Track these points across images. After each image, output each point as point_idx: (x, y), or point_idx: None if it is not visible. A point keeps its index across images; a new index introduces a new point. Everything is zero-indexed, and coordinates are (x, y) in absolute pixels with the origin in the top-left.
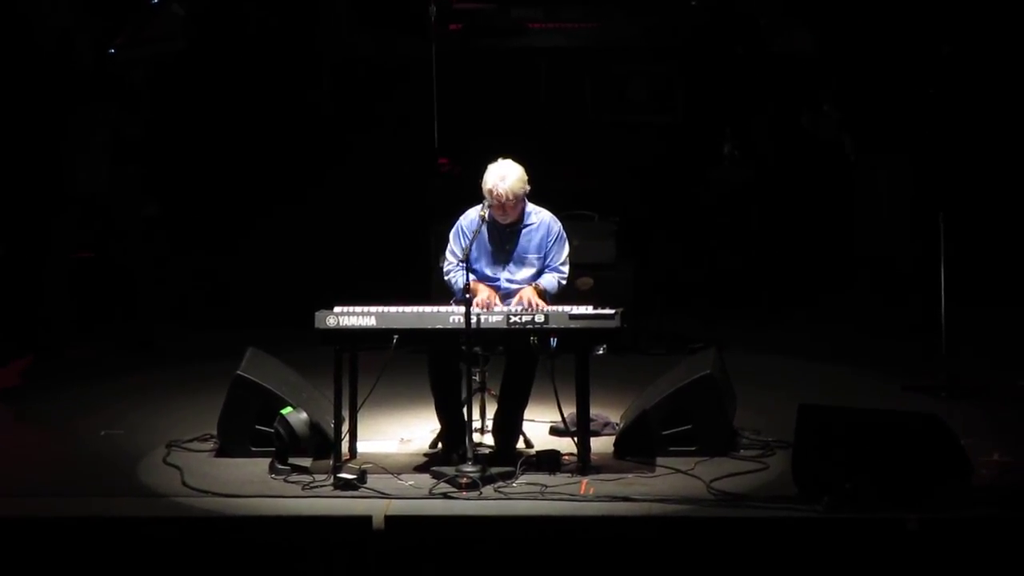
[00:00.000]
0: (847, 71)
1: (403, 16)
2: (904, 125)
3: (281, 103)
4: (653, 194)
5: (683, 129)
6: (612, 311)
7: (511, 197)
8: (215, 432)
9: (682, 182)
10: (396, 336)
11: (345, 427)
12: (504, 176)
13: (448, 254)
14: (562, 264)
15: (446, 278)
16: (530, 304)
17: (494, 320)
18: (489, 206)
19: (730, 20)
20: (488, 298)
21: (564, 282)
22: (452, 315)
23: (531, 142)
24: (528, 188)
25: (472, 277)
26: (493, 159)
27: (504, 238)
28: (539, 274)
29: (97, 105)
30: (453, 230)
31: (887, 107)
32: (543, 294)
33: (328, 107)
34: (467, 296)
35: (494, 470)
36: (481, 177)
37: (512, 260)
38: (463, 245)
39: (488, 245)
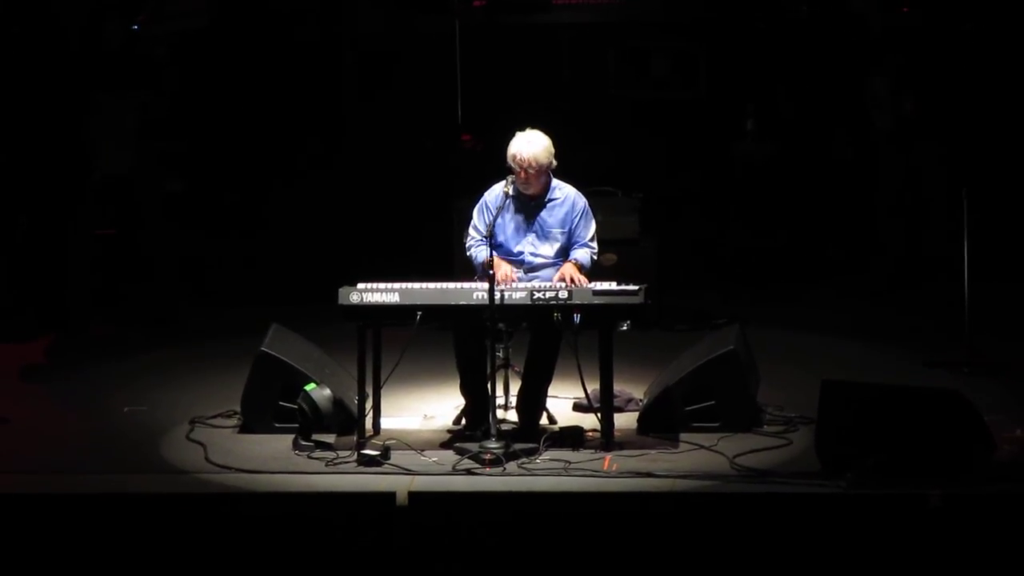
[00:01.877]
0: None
1: None
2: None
3: (303, 79)
4: (676, 169)
5: (706, 104)
6: (636, 287)
7: (535, 164)
8: (238, 408)
9: (705, 157)
10: (419, 312)
11: (369, 403)
12: (530, 141)
13: (471, 229)
14: (591, 239)
15: (468, 253)
16: (572, 280)
17: (518, 296)
18: (513, 177)
19: None
20: (508, 274)
21: (595, 257)
22: (475, 291)
23: (554, 118)
24: (554, 162)
25: (494, 253)
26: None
27: (528, 212)
28: (563, 249)
29: (124, 85)
30: (477, 205)
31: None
32: (582, 270)
33: (350, 83)
34: (490, 272)
35: (518, 446)
36: (505, 152)
37: (536, 234)
38: (487, 220)
39: (512, 219)
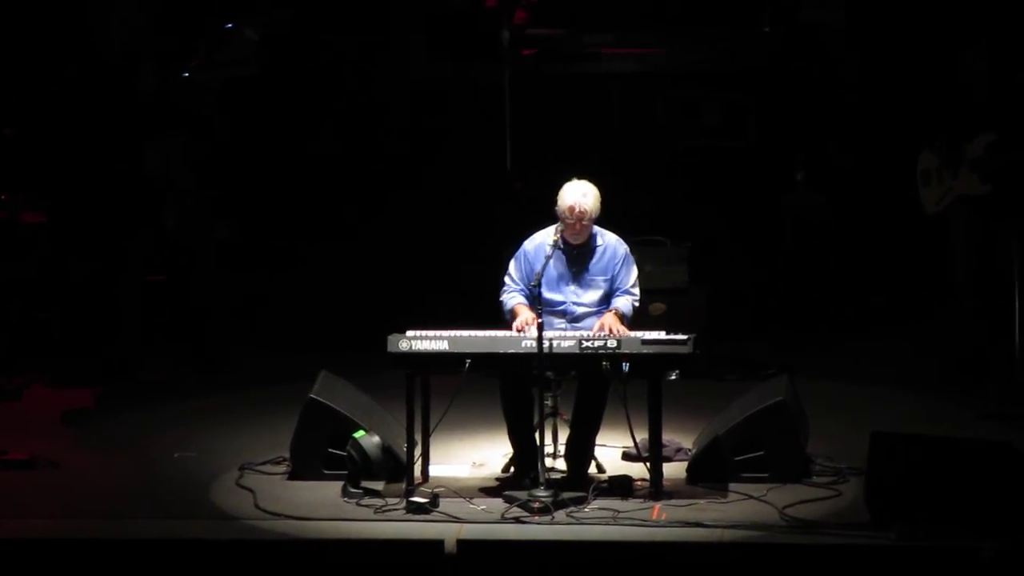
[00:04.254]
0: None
1: (477, 41)
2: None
3: (355, 126)
4: (726, 219)
5: (756, 154)
6: (684, 337)
7: (590, 215)
8: (288, 455)
9: (755, 207)
10: (468, 360)
11: (418, 451)
12: (586, 193)
13: (506, 277)
14: (632, 287)
15: (500, 298)
16: (611, 329)
17: (566, 345)
18: (563, 227)
19: (800, 41)
20: (526, 320)
21: (637, 304)
22: (524, 339)
23: (604, 167)
24: (599, 210)
25: (522, 300)
26: (566, 181)
27: (571, 260)
28: (605, 297)
29: (174, 130)
30: (515, 254)
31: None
32: (623, 319)
33: (401, 131)
34: (540, 321)
35: (566, 495)
36: (554, 199)
37: (579, 282)
38: (524, 269)
39: (555, 268)
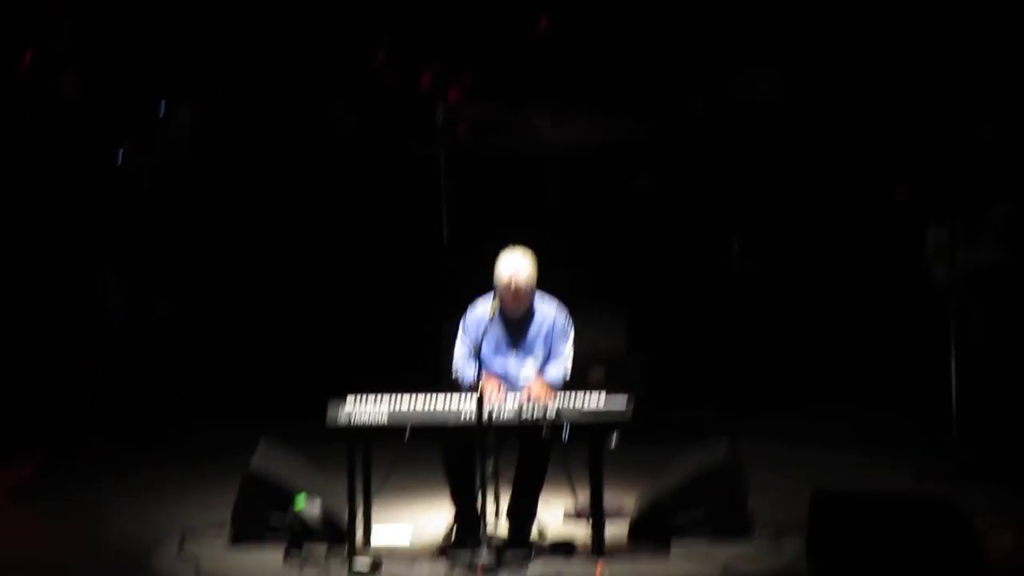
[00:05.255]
0: None
1: (411, 119)
2: None
3: (289, 200)
4: (664, 285)
5: (692, 224)
6: (623, 401)
7: (525, 286)
8: (230, 521)
9: (692, 273)
10: (408, 431)
11: (360, 516)
12: (518, 270)
13: (456, 352)
14: (565, 357)
15: (454, 376)
16: (537, 397)
17: (505, 416)
18: (501, 297)
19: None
20: (495, 389)
21: (567, 371)
22: (463, 412)
23: (541, 236)
24: (535, 278)
25: (482, 370)
26: (504, 249)
27: (511, 329)
28: (546, 362)
29: (112, 215)
30: (461, 326)
31: None
32: (550, 386)
33: (337, 206)
34: (478, 392)
35: (509, 555)
36: (491, 272)
37: (520, 350)
38: (470, 337)
39: (495, 337)
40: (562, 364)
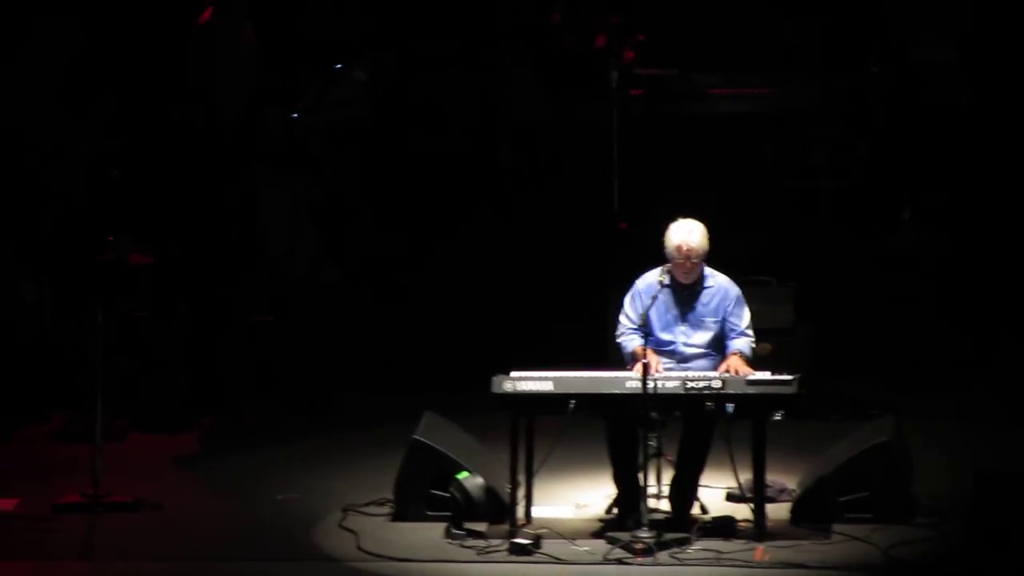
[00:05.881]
0: None
1: (585, 80)
2: None
3: (461, 165)
4: (832, 258)
5: (863, 193)
6: (790, 377)
7: (698, 253)
8: (391, 496)
9: (862, 246)
10: (573, 401)
11: (521, 492)
12: (691, 231)
13: (622, 317)
14: (747, 328)
15: (617, 341)
16: (738, 372)
17: (671, 385)
18: (671, 267)
19: (910, 82)
20: (655, 365)
21: (754, 346)
22: (629, 380)
23: (710, 206)
24: (708, 247)
25: (642, 343)
26: (672, 221)
27: (682, 300)
28: (716, 338)
29: (284, 171)
30: (629, 293)
31: None
32: (747, 361)
33: (509, 169)
34: (644, 362)
35: (669, 536)
36: (661, 240)
37: (689, 323)
38: (639, 309)
39: (665, 308)
40: (747, 338)
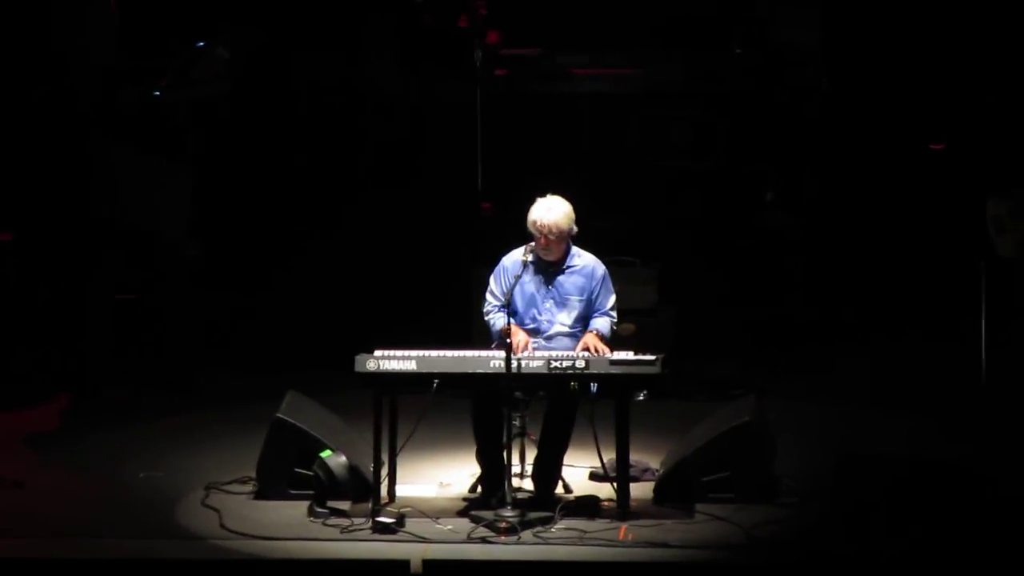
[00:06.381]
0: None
1: (448, 60)
2: None
3: (323, 143)
4: (696, 239)
5: (726, 174)
6: (653, 357)
7: (555, 230)
8: (254, 475)
9: (725, 227)
10: (436, 380)
11: (384, 470)
12: (551, 207)
13: (488, 294)
14: (611, 309)
15: (485, 319)
16: (596, 350)
17: (535, 365)
18: (534, 244)
19: (772, 64)
20: (522, 344)
21: (616, 326)
22: (493, 359)
23: (574, 187)
24: (575, 228)
25: (511, 320)
26: (539, 196)
27: (547, 279)
28: (581, 317)
29: (146, 148)
30: (495, 271)
31: None
32: (603, 339)
33: (370, 149)
34: (507, 340)
35: (533, 515)
36: (525, 219)
37: (554, 301)
38: (504, 286)
39: (530, 286)
40: (609, 318)
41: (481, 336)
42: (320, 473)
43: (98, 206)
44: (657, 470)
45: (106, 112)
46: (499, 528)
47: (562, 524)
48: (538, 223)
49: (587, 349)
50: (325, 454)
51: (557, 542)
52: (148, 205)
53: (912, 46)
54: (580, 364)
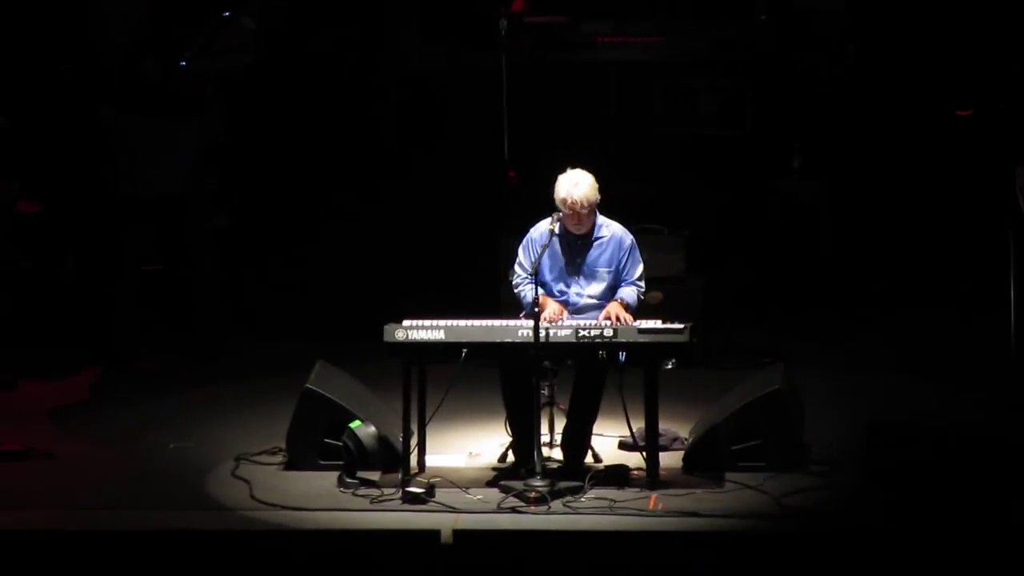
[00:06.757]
0: None
1: (473, 30)
2: None
3: (350, 116)
4: (722, 207)
5: (752, 142)
6: (681, 325)
7: (584, 204)
8: (284, 445)
9: (751, 195)
10: (465, 350)
11: (414, 440)
12: (577, 183)
13: (517, 267)
14: (638, 278)
15: (515, 291)
16: (618, 319)
17: (563, 334)
18: (561, 217)
19: (798, 30)
20: (556, 313)
21: (643, 296)
22: (521, 329)
23: (600, 155)
24: (599, 197)
25: (541, 291)
26: (562, 171)
27: (575, 251)
28: (610, 288)
29: (172, 118)
30: (523, 243)
31: None
32: (628, 308)
33: (396, 120)
34: (536, 310)
35: (562, 484)
36: (551, 189)
37: (582, 273)
38: (532, 258)
39: (558, 258)
40: (636, 288)
41: (509, 306)
42: (350, 443)
43: (115, 180)
44: (686, 439)
45: (128, 84)
46: (529, 498)
47: (592, 494)
48: (568, 200)
49: (608, 318)
50: (355, 424)
51: (587, 511)
52: (167, 168)
53: (939, 10)
54: (608, 333)
